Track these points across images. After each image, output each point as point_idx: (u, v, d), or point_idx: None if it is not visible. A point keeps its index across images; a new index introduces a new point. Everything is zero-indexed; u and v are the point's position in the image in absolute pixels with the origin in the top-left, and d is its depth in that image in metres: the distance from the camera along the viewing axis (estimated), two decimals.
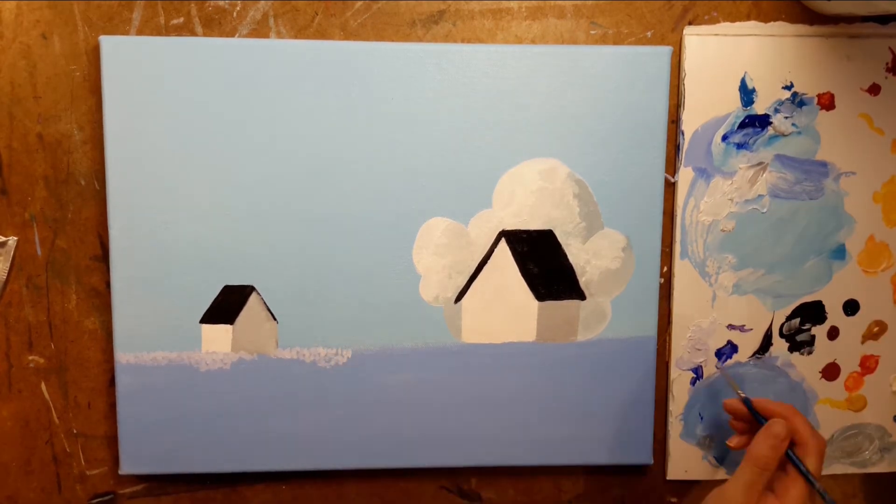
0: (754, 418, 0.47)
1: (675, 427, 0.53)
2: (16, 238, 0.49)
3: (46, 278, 0.50)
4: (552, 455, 0.52)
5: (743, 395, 0.48)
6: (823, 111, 0.51)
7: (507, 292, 0.50)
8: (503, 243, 0.50)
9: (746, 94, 0.50)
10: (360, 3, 0.49)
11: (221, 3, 0.48)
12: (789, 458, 0.44)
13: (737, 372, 0.53)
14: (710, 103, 0.50)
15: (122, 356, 0.48)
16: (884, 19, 0.50)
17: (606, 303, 0.51)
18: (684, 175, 0.51)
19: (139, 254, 0.48)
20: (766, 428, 0.44)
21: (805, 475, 0.43)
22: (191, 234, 0.48)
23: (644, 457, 0.52)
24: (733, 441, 0.49)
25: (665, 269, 0.52)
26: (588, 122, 0.49)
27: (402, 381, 0.50)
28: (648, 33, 0.50)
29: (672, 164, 0.51)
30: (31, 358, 0.51)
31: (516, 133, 0.49)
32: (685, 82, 0.50)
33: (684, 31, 0.50)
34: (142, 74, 0.47)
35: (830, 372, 0.54)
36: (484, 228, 0.50)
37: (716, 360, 0.53)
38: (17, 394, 0.51)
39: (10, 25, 0.48)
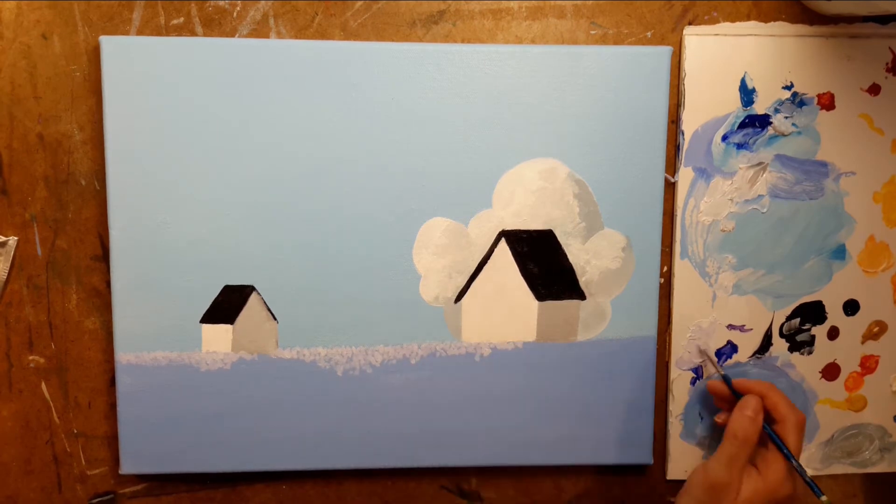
0: (734, 396, 0.48)
1: (675, 427, 0.53)
2: (16, 238, 0.49)
3: (47, 278, 0.50)
4: (552, 455, 0.52)
5: (723, 372, 0.50)
6: (823, 111, 0.51)
7: (507, 292, 0.50)
8: (503, 243, 0.50)
9: (746, 94, 0.50)
10: (360, 3, 0.49)
11: (221, 3, 0.48)
12: (768, 435, 0.45)
13: (737, 372, 0.53)
14: (710, 103, 0.50)
15: (123, 356, 0.49)
16: (884, 19, 0.50)
17: (606, 303, 0.51)
18: (684, 175, 0.51)
19: (139, 254, 0.48)
20: (741, 404, 0.46)
21: (781, 448, 0.44)
22: (191, 234, 0.48)
23: (644, 457, 0.53)
24: (720, 418, 0.50)
25: (665, 269, 0.52)
26: (588, 122, 0.49)
27: (402, 381, 0.50)
28: (648, 33, 0.50)
29: (672, 164, 0.51)
30: (31, 358, 0.51)
31: (516, 133, 0.49)
32: (685, 82, 0.50)
33: (684, 31, 0.50)
34: (142, 74, 0.47)
35: (830, 372, 0.54)
36: (484, 228, 0.50)
37: (715, 358, 0.53)
38: (18, 394, 0.51)
39: (10, 25, 0.48)
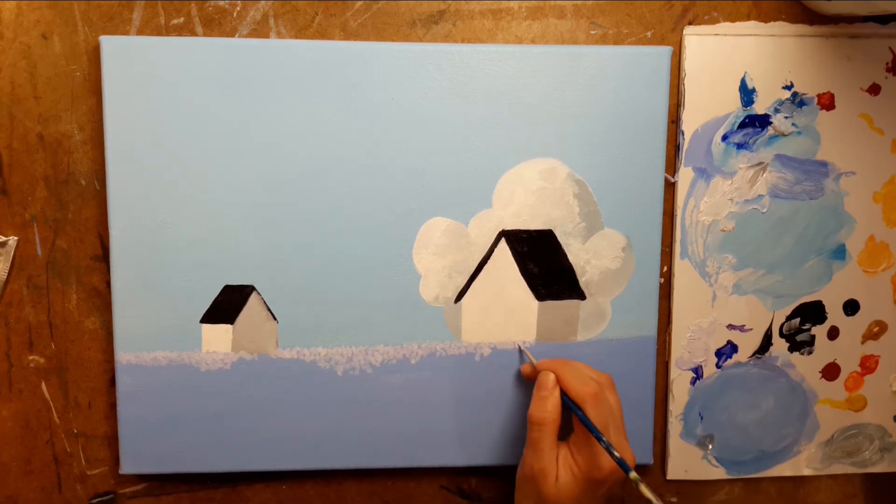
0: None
1: (675, 427, 0.53)
2: (16, 238, 0.49)
3: (47, 278, 0.50)
4: None
5: (532, 359, 0.49)
6: (823, 111, 0.51)
7: (507, 292, 0.50)
8: (503, 243, 0.50)
9: (746, 94, 0.50)
10: (360, 3, 0.49)
11: (221, 3, 0.48)
12: (568, 406, 0.43)
13: (737, 372, 0.53)
14: (710, 103, 0.50)
15: (123, 356, 0.49)
16: (884, 19, 0.50)
17: (606, 303, 0.51)
18: (684, 175, 0.51)
19: (139, 254, 0.48)
20: (536, 384, 0.45)
21: (585, 423, 0.42)
22: (191, 234, 0.48)
23: (644, 457, 0.52)
24: None
25: (665, 269, 0.52)
26: (588, 122, 0.49)
27: (402, 381, 0.50)
28: (648, 33, 0.50)
29: (672, 164, 0.51)
30: (31, 358, 0.51)
31: (516, 133, 0.49)
32: (685, 82, 0.50)
33: (684, 31, 0.50)
34: (142, 74, 0.47)
35: (830, 372, 0.54)
36: (484, 228, 0.50)
37: (716, 359, 0.53)
38: (18, 394, 0.51)
39: (10, 25, 0.48)
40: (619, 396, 0.46)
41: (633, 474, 0.40)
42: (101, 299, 0.50)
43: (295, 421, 0.50)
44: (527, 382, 0.51)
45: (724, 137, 0.50)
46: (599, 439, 0.41)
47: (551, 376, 0.45)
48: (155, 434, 0.49)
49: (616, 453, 0.41)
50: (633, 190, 0.50)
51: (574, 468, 0.43)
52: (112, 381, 0.51)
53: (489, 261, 0.50)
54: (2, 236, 0.49)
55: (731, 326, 0.52)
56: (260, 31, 0.49)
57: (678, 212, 0.51)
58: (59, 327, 0.50)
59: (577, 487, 0.42)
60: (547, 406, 0.43)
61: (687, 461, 0.54)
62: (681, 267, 0.52)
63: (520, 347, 0.50)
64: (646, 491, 0.38)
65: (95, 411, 0.51)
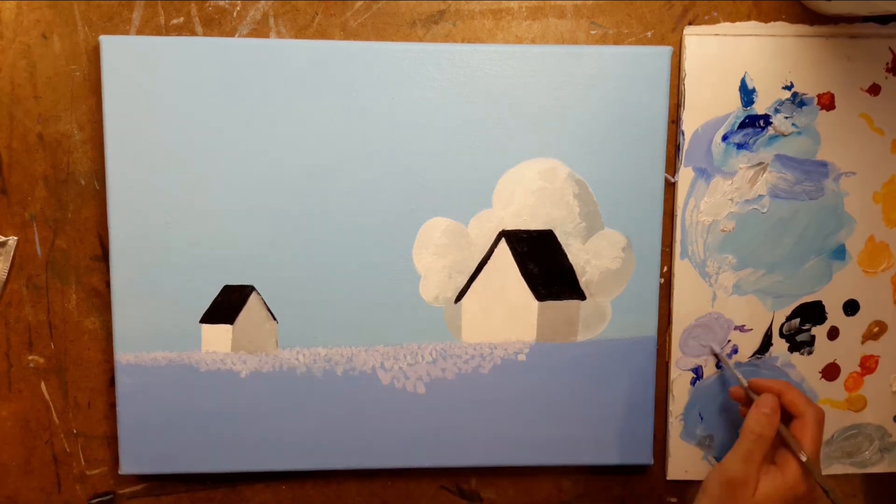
0: (748, 397, 0.49)
1: (675, 427, 0.53)
2: (16, 238, 0.49)
3: (46, 278, 0.50)
4: (552, 455, 0.52)
5: (742, 379, 0.50)
6: (823, 111, 0.51)
7: (507, 292, 0.50)
8: (503, 243, 0.50)
9: (746, 94, 0.50)
10: (360, 3, 0.49)
11: (221, 3, 0.48)
12: (783, 435, 0.45)
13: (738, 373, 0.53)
14: (710, 103, 0.50)
15: (122, 356, 0.48)
16: (884, 19, 0.50)
17: (606, 303, 0.51)
18: (684, 175, 0.51)
19: (139, 254, 0.48)
20: (758, 401, 0.46)
21: (789, 447, 0.44)
22: (191, 234, 0.48)
23: (644, 457, 0.52)
24: (743, 412, 0.50)
25: (665, 269, 0.52)
26: (588, 122, 0.49)
27: (402, 381, 0.50)
28: (648, 33, 0.50)
29: (672, 164, 0.51)
30: (31, 358, 0.51)
31: (516, 133, 0.49)
32: (685, 82, 0.50)
33: (684, 31, 0.50)
34: (142, 74, 0.47)
35: (830, 372, 0.54)
36: (484, 228, 0.50)
37: (716, 359, 0.53)
38: (17, 394, 0.51)
39: (10, 25, 0.48)
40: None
41: (833, 496, 0.44)
42: (101, 299, 0.50)
43: (295, 421, 0.50)
44: (525, 379, 0.51)
45: (725, 137, 0.50)
46: (805, 461, 0.44)
47: (775, 399, 0.46)
48: (155, 434, 0.49)
49: (821, 478, 0.44)
50: (633, 190, 0.50)
51: (778, 482, 0.44)
52: (112, 381, 0.51)
53: (489, 261, 0.50)
54: (2, 236, 0.49)
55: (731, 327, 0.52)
56: (260, 31, 0.49)
57: (678, 212, 0.51)
58: (58, 327, 0.50)
59: (775, 501, 0.44)
60: (767, 423, 0.45)
61: (687, 461, 0.54)
62: (681, 267, 0.52)
63: (720, 359, 0.51)
64: None
65: (95, 411, 0.51)
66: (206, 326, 0.49)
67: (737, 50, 0.50)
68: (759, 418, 0.45)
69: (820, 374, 0.54)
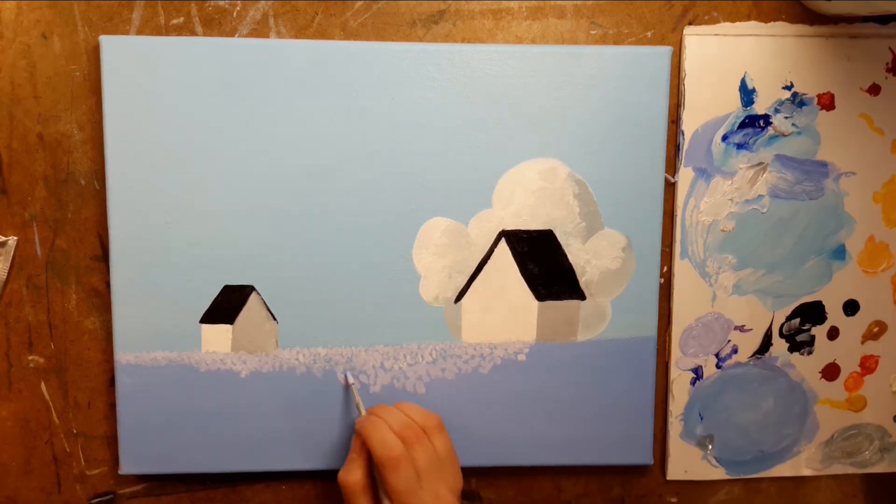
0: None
1: (675, 427, 0.53)
2: (16, 238, 0.49)
3: (46, 278, 0.50)
4: (552, 455, 0.52)
5: (360, 405, 0.48)
6: (823, 111, 0.51)
7: (507, 292, 0.50)
8: (503, 243, 0.50)
9: (746, 95, 0.50)
10: (360, 3, 0.49)
11: (221, 3, 0.48)
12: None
13: (738, 372, 0.53)
14: (710, 103, 0.50)
15: (122, 356, 0.48)
16: (884, 19, 0.50)
17: (606, 303, 0.51)
18: (684, 175, 0.51)
19: (139, 254, 0.48)
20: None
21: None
22: (191, 234, 0.48)
23: (644, 457, 0.52)
24: None
25: (665, 269, 0.52)
26: (588, 122, 0.49)
27: (402, 381, 0.50)
28: (648, 33, 0.50)
29: (672, 164, 0.51)
30: (31, 358, 0.51)
31: (516, 133, 0.49)
32: (685, 82, 0.50)
33: (684, 31, 0.50)
34: (142, 74, 0.47)
35: (830, 372, 0.54)
36: (484, 228, 0.50)
37: (716, 359, 0.53)
38: (17, 394, 0.51)
39: (10, 25, 0.48)
40: (448, 436, 0.45)
41: None
42: (101, 299, 0.50)
43: (295, 421, 0.50)
44: (524, 379, 0.51)
45: (725, 137, 0.50)
46: None
47: (360, 440, 0.44)
48: (155, 434, 0.49)
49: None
50: (633, 190, 0.50)
51: None
52: (111, 382, 0.51)
53: (489, 261, 0.50)
54: (1, 236, 0.49)
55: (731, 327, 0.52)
56: (260, 30, 0.49)
57: (678, 212, 0.51)
58: (58, 327, 0.50)
59: None
60: (353, 469, 0.44)
61: (687, 461, 0.54)
62: (681, 267, 0.52)
63: (349, 384, 0.49)
64: None
65: (95, 411, 0.51)
66: (206, 326, 0.49)
67: (737, 50, 0.50)
68: (346, 465, 0.44)
69: (820, 374, 0.54)
